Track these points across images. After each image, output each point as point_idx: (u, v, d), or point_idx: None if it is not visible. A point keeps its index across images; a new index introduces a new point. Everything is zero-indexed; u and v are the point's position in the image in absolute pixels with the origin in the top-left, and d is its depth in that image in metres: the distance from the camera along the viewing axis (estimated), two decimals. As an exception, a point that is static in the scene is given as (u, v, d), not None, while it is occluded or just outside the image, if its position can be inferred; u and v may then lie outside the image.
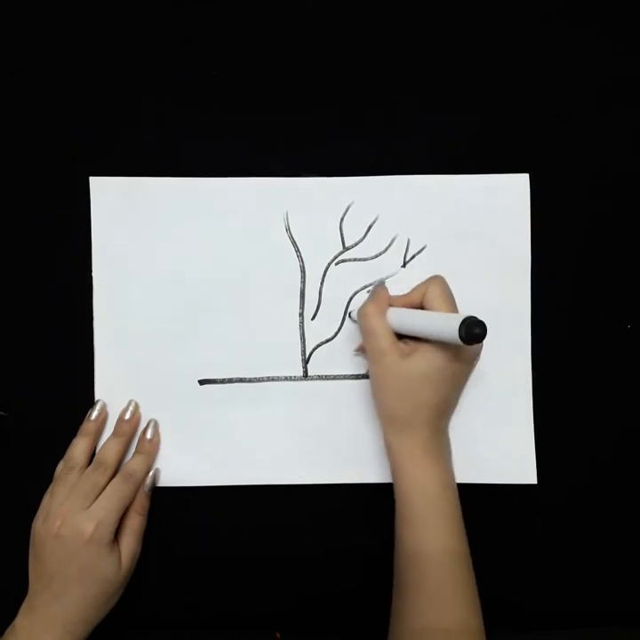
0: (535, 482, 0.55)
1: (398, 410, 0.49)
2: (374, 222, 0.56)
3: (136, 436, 0.55)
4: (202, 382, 0.55)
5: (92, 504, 0.50)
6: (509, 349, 0.55)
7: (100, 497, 0.51)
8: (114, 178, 0.55)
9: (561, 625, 0.56)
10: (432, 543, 0.48)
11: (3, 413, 0.55)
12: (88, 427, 0.54)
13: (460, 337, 0.44)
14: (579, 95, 0.56)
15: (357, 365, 0.56)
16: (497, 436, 0.55)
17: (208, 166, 0.55)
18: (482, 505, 0.54)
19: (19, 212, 0.56)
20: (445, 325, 0.45)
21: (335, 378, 0.56)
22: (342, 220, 0.56)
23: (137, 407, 0.55)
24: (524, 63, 0.56)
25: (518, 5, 0.56)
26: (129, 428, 0.54)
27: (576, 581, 0.56)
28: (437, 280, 0.50)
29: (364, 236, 0.56)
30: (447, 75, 0.56)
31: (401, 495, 0.49)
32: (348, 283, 0.56)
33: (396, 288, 0.55)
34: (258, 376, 0.55)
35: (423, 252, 0.56)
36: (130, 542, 0.52)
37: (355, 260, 0.56)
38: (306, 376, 0.56)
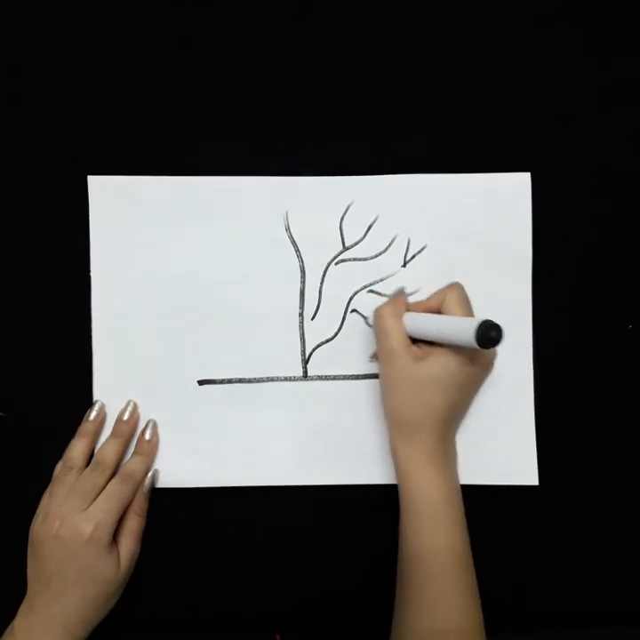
0: (536, 483, 0.55)
1: (407, 414, 0.49)
2: (374, 222, 0.56)
3: (135, 436, 0.55)
4: (201, 382, 0.55)
5: (90, 505, 0.50)
6: (510, 350, 0.55)
7: (99, 498, 0.51)
8: (113, 177, 0.55)
9: (561, 625, 0.56)
10: (435, 546, 0.48)
11: (3, 413, 0.55)
12: (86, 427, 0.54)
13: (477, 340, 0.43)
14: (579, 95, 0.56)
15: (357, 365, 0.56)
16: (498, 437, 0.55)
17: (208, 166, 0.55)
18: (483, 506, 0.54)
19: (19, 212, 0.56)
20: (461, 328, 0.45)
21: (335, 378, 0.56)
22: (342, 219, 0.56)
23: (136, 408, 0.55)
24: (524, 63, 0.56)
25: (518, 5, 0.56)
26: (128, 428, 0.54)
27: (576, 581, 0.56)
28: (456, 287, 0.50)
29: (364, 236, 0.56)
30: (447, 75, 0.56)
31: (405, 499, 0.49)
32: (348, 283, 0.56)
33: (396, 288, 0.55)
34: (258, 376, 0.55)
35: (423, 251, 0.56)
36: (129, 543, 0.52)
37: (355, 259, 0.56)
38: (306, 376, 0.55)
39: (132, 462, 0.53)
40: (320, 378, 0.55)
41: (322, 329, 0.56)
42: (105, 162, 0.56)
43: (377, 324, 0.50)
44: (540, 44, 0.56)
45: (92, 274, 0.55)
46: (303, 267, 0.56)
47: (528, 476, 0.55)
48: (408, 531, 0.49)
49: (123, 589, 0.51)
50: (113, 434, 0.54)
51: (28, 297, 0.56)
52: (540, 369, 0.56)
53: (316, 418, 0.55)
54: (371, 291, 0.56)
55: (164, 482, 0.55)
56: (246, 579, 0.55)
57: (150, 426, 0.55)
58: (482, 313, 0.52)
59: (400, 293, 0.52)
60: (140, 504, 0.53)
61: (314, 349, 0.56)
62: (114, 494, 0.51)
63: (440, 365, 0.48)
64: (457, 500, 0.49)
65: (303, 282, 0.56)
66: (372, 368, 0.56)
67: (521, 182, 0.55)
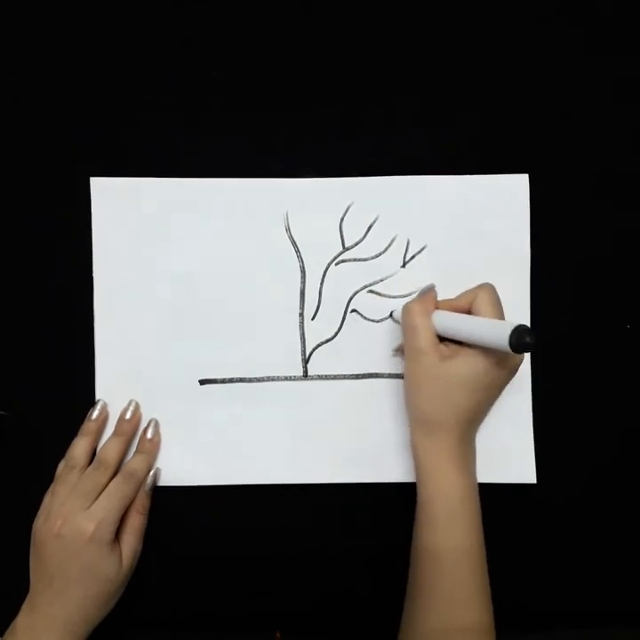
0: (534, 481, 0.55)
1: (430, 412, 0.49)
2: (374, 222, 0.56)
3: (137, 435, 0.55)
4: (202, 382, 0.56)
5: (92, 504, 0.50)
6: (509, 349, 0.55)
7: (101, 496, 0.51)
8: (114, 178, 0.55)
9: (561, 625, 0.56)
10: (450, 545, 0.48)
11: (3, 413, 0.55)
12: (89, 426, 0.54)
13: (510, 344, 0.43)
14: (579, 95, 0.56)
15: (357, 365, 0.56)
16: (496, 436, 0.55)
17: (208, 166, 0.55)
18: (481, 504, 0.54)
19: (19, 212, 0.56)
20: (495, 332, 0.45)
21: (335, 378, 0.56)
22: (342, 220, 0.56)
23: (137, 407, 0.55)
24: (524, 63, 0.56)
25: (518, 5, 0.56)
26: (130, 427, 0.54)
27: (576, 581, 0.56)
28: (487, 287, 0.50)
29: (364, 236, 0.56)
30: (447, 75, 0.56)
31: (422, 497, 0.49)
32: (347, 283, 0.56)
33: (396, 288, 0.56)
34: (258, 376, 0.56)
35: (423, 252, 0.56)
36: (131, 542, 0.52)
37: (355, 260, 0.56)
38: (306, 376, 0.56)
39: (133, 461, 0.54)
40: (320, 377, 0.56)
41: (322, 329, 0.56)
42: (105, 162, 0.56)
43: (405, 320, 0.50)
44: (540, 44, 0.56)
45: (94, 274, 0.55)
46: (303, 267, 0.56)
47: (526, 474, 0.56)
48: (423, 528, 0.49)
49: (125, 588, 0.52)
50: (115, 433, 0.54)
51: (28, 297, 0.56)
52: (538, 367, 0.56)
53: (316, 417, 0.55)
54: (371, 291, 0.56)
55: (166, 480, 0.55)
56: (247, 578, 0.56)
57: (152, 425, 0.55)
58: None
59: (430, 290, 0.52)
60: (141, 502, 0.53)
61: (314, 349, 0.56)
62: (116, 493, 0.51)
63: (468, 366, 0.48)
64: (474, 501, 0.49)
65: (303, 282, 0.56)
66: (380, 368, 0.56)
67: (519, 183, 0.55)
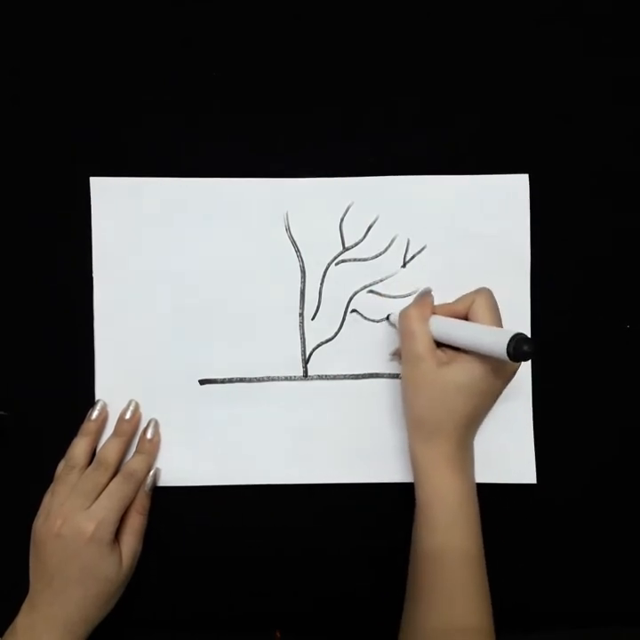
0: (534, 481, 0.55)
1: (428, 417, 0.49)
2: (374, 222, 0.56)
3: (136, 435, 0.55)
4: (202, 382, 0.56)
5: (92, 504, 0.50)
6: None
7: (101, 496, 0.51)
8: (114, 178, 0.55)
9: (561, 625, 0.56)
10: (449, 547, 0.48)
11: (3, 413, 0.55)
12: (88, 426, 0.54)
13: (508, 353, 0.43)
14: (579, 95, 0.56)
15: (357, 365, 0.56)
16: (497, 436, 0.55)
17: (208, 166, 0.55)
18: (481, 504, 0.54)
19: (19, 212, 0.56)
20: (493, 340, 0.45)
21: (335, 378, 0.56)
22: (342, 220, 0.56)
23: (137, 407, 0.55)
24: (524, 63, 0.56)
25: (518, 5, 0.56)
26: (129, 427, 0.54)
27: (576, 581, 0.56)
28: (485, 292, 0.50)
29: (364, 236, 0.56)
30: (447, 75, 0.56)
31: (421, 501, 0.49)
32: (348, 283, 0.56)
33: (396, 288, 0.56)
34: (258, 376, 0.56)
35: (423, 251, 0.56)
36: (131, 542, 0.52)
37: (355, 260, 0.56)
38: (306, 376, 0.56)
39: (133, 461, 0.54)
40: (320, 378, 0.56)
41: (322, 329, 0.56)
42: (105, 162, 0.56)
43: (402, 326, 0.50)
44: (540, 44, 0.56)
45: (94, 274, 0.55)
46: (303, 267, 0.56)
47: (526, 474, 0.56)
48: (422, 531, 0.49)
49: (124, 588, 0.52)
50: (115, 433, 0.54)
51: (28, 297, 0.56)
52: (538, 367, 0.56)
53: (316, 417, 0.55)
54: (371, 291, 0.56)
55: (166, 480, 0.55)
56: (247, 578, 0.56)
57: (152, 425, 0.55)
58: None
59: (426, 295, 0.52)
60: (141, 503, 0.53)
61: (314, 349, 0.56)
62: (116, 493, 0.51)
63: (464, 372, 0.48)
64: (473, 504, 0.49)
65: (303, 282, 0.56)
66: (380, 368, 0.56)
67: (519, 183, 0.56)
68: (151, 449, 0.54)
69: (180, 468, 0.55)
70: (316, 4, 0.56)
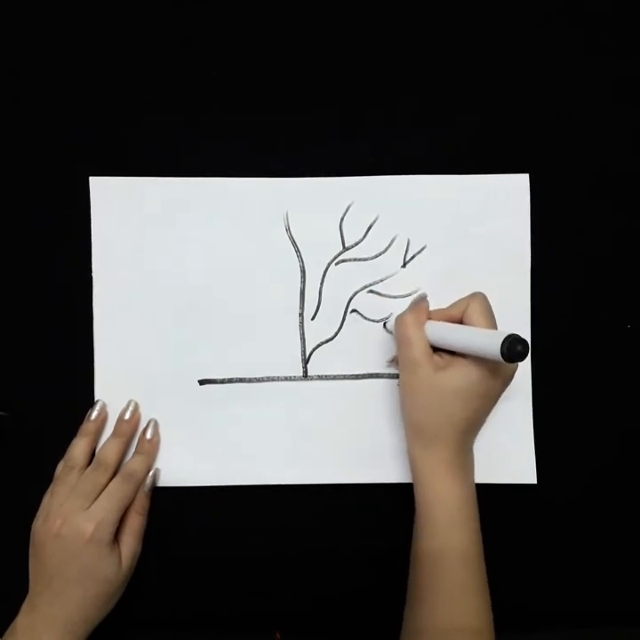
0: (535, 482, 0.55)
1: (427, 422, 0.49)
2: (374, 222, 0.56)
3: (136, 436, 0.55)
4: (202, 382, 0.56)
5: (92, 504, 0.50)
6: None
7: (101, 497, 0.51)
8: (114, 178, 0.55)
9: (561, 625, 0.56)
10: (449, 550, 0.48)
11: (3, 413, 0.55)
12: (88, 427, 0.54)
13: (502, 354, 0.43)
14: (579, 95, 0.56)
15: (357, 365, 0.56)
16: (497, 436, 0.55)
17: (208, 166, 0.55)
18: (481, 505, 0.54)
19: (19, 212, 0.56)
20: (487, 341, 0.45)
21: (335, 378, 0.56)
22: (342, 220, 0.56)
23: (137, 407, 0.55)
24: (524, 63, 0.56)
25: (518, 5, 0.56)
26: (129, 428, 0.54)
27: (576, 581, 0.56)
28: (479, 296, 0.50)
29: (364, 236, 0.56)
30: (447, 75, 0.56)
31: (421, 505, 0.49)
32: (348, 283, 0.56)
33: (396, 288, 0.56)
34: (258, 376, 0.55)
35: (423, 251, 0.56)
36: (130, 542, 0.52)
37: (355, 260, 0.56)
38: (306, 376, 0.56)
39: (133, 462, 0.54)
40: (320, 378, 0.56)
41: (322, 329, 0.56)
42: (105, 162, 0.55)
43: (399, 332, 0.50)
44: (540, 44, 0.56)
45: (93, 274, 0.55)
46: (303, 267, 0.56)
47: (527, 474, 0.56)
48: (422, 534, 0.49)
49: (124, 588, 0.52)
50: (114, 433, 0.54)
51: (28, 297, 0.56)
52: (538, 368, 0.56)
53: (316, 417, 0.55)
54: (371, 291, 0.56)
55: (166, 481, 0.55)
56: (247, 578, 0.56)
57: (151, 425, 0.55)
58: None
59: (422, 301, 0.52)
60: (141, 503, 0.53)
61: (314, 349, 0.56)
62: (115, 493, 0.51)
63: (462, 376, 0.48)
64: (473, 507, 0.49)
65: (303, 282, 0.56)
66: (380, 368, 0.56)
67: (519, 183, 0.56)
68: (151, 449, 0.54)
69: (180, 468, 0.55)
70: (316, 4, 0.56)
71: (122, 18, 0.56)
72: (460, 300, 0.51)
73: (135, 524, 0.53)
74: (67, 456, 0.53)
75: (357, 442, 0.55)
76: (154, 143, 0.56)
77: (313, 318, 0.56)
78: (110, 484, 0.52)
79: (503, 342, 0.43)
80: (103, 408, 0.55)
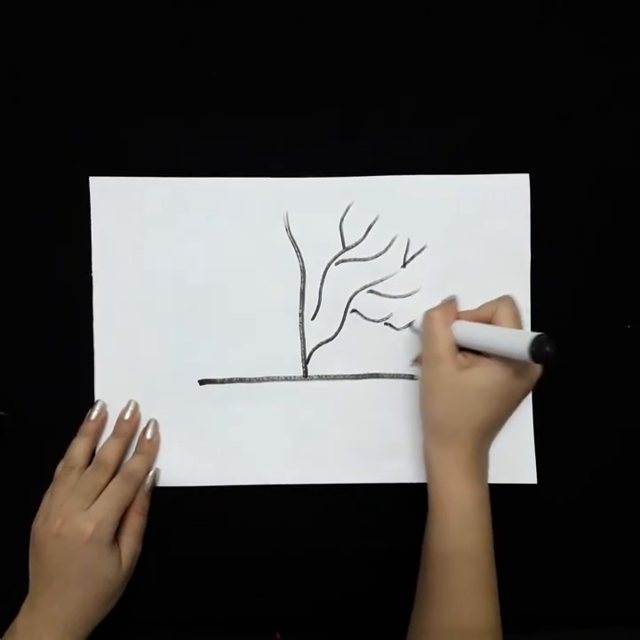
0: (535, 482, 0.55)
1: (446, 421, 0.49)
2: (374, 222, 0.56)
3: (136, 436, 0.55)
4: (202, 382, 0.56)
5: (92, 504, 0.50)
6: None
7: (101, 497, 0.51)
8: (114, 178, 0.55)
9: (561, 625, 0.56)
10: (461, 552, 0.48)
11: (3, 413, 0.55)
12: (88, 427, 0.54)
13: (531, 354, 0.43)
14: (579, 95, 0.56)
15: (357, 365, 0.56)
16: (497, 436, 0.55)
17: (208, 166, 0.55)
18: (482, 505, 0.54)
19: (19, 211, 0.56)
20: (515, 341, 0.44)
21: (335, 378, 0.56)
22: (342, 220, 0.56)
23: (137, 407, 0.55)
24: (524, 63, 0.56)
25: (518, 5, 0.56)
26: (129, 428, 0.54)
27: (576, 581, 0.56)
28: (508, 300, 0.50)
29: (364, 236, 0.56)
30: (447, 75, 0.56)
31: (435, 504, 0.49)
32: (347, 283, 0.56)
33: (396, 288, 0.56)
34: (258, 376, 0.55)
35: (423, 251, 0.56)
36: (130, 542, 0.52)
37: (355, 260, 0.56)
38: (306, 376, 0.56)
39: (133, 462, 0.54)
40: (320, 378, 0.56)
41: (322, 329, 0.56)
42: (105, 162, 0.55)
43: (426, 327, 0.50)
44: (540, 43, 0.56)
45: (93, 274, 0.55)
46: (303, 267, 0.56)
47: (527, 474, 0.56)
48: (435, 534, 0.49)
49: (124, 588, 0.52)
50: (114, 433, 0.54)
51: (28, 297, 0.56)
52: (538, 368, 0.56)
53: (316, 417, 0.55)
54: (371, 291, 0.56)
55: (166, 481, 0.55)
56: (247, 578, 0.56)
57: (151, 425, 0.55)
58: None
59: (452, 300, 0.52)
60: (141, 503, 0.53)
61: (314, 349, 0.56)
62: (115, 493, 0.51)
63: (486, 376, 0.47)
64: (487, 509, 0.49)
65: (303, 282, 0.56)
66: (380, 368, 0.56)
67: (519, 183, 0.56)
68: (150, 449, 0.54)
69: (180, 468, 0.55)
70: (316, 4, 0.56)
71: (122, 18, 0.56)
72: (489, 303, 0.51)
73: (135, 524, 0.53)
74: (67, 456, 0.53)
75: (357, 442, 0.55)
76: (154, 143, 0.56)
77: (313, 318, 0.56)
78: (110, 484, 0.52)
79: (532, 342, 0.43)
80: (103, 408, 0.55)
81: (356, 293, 0.56)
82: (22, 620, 0.49)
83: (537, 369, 0.48)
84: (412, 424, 0.56)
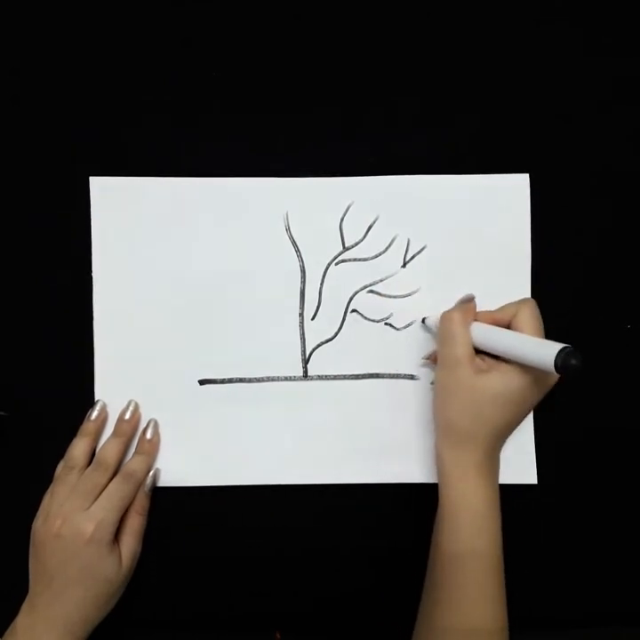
0: (535, 482, 0.55)
1: (460, 423, 0.49)
2: (374, 222, 0.56)
3: (136, 436, 0.55)
4: (202, 382, 0.56)
5: (92, 504, 0.50)
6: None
7: (101, 497, 0.51)
8: (114, 178, 0.55)
9: (561, 625, 0.56)
10: (471, 553, 0.47)
11: (3, 413, 0.55)
12: (88, 427, 0.54)
13: (556, 366, 0.43)
14: (579, 95, 0.56)
15: (357, 365, 0.56)
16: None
17: (208, 166, 0.55)
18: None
19: (19, 212, 0.56)
20: (541, 351, 0.44)
21: (335, 378, 0.56)
22: (342, 220, 0.56)
23: (137, 407, 0.55)
24: (524, 63, 0.56)
25: (518, 5, 0.56)
26: (129, 428, 0.54)
27: (576, 581, 0.56)
28: (529, 303, 0.50)
29: (364, 236, 0.56)
30: (447, 75, 0.56)
31: (446, 506, 0.49)
32: (347, 283, 0.56)
33: (396, 288, 0.56)
34: (258, 376, 0.55)
35: (423, 251, 0.56)
36: (130, 542, 0.52)
37: (355, 260, 0.56)
38: (306, 376, 0.56)
39: (133, 462, 0.54)
40: (320, 378, 0.56)
41: (322, 329, 0.56)
42: (105, 162, 0.56)
43: (444, 328, 0.50)
44: (540, 43, 0.56)
45: (93, 274, 0.55)
46: (303, 267, 0.56)
47: (527, 475, 0.55)
48: (445, 535, 0.49)
49: (124, 588, 0.52)
50: (114, 433, 0.54)
51: (28, 297, 0.56)
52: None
53: (316, 418, 0.55)
54: (371, 291, 0.56)
55: (166, 481, 0.55)
56: (247, 578, 0.56)
57: (151, 425, 0.55)
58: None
59: (470, 301, 0.51)
60: (141, 503, 0.53)
61: (314, 349, 0.56)
62: (115, 494, 0.51)
63: (503, 382, 0.47)
64: (497, 511, 0.49)
65: (303, 282, 0.56)
66: (380, 368, 0.56)
67: (519, 183, 0.56)
68: (151, 449, 0.54)
69: (180, 468, 0.55)
70: (316, 4, 0.56)
71: (122, 18, 0.56)
72: (508, 305, 0.50)
73: (135, 524, 0.53)
74: (67, 456, 0.53)
75: (357, 442, 0.55)
76: (154, 143, 0.56)
77: (313, 318, 0.56)
78: (110, 484, 0.52)
79: (558, 354, 0.43)
80: (103, 408, 0.55)
81: (356, 293, 0.56)
82: (22, 620, 0.49)
83: (554, 377, 0.48)
84: (412, 424, 0.56)
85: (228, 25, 0.56)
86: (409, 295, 0.56)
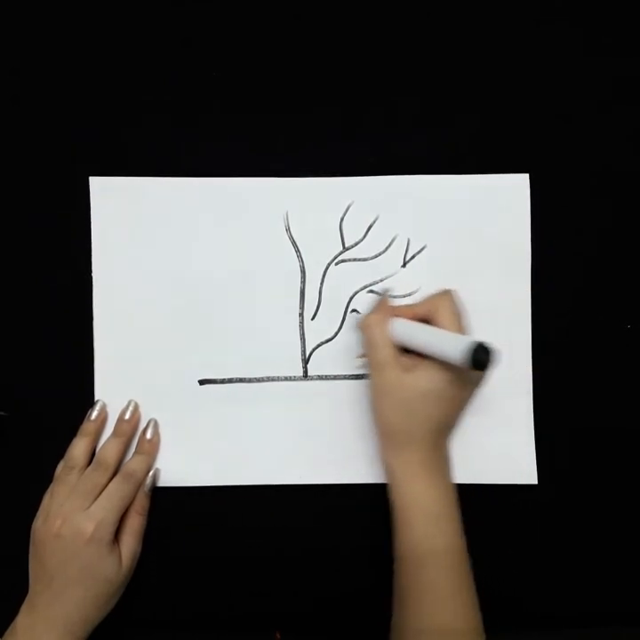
0: (535, 482, 0.55)
1: (396, 425, 0.48)
2: (374, 222, 0.56)
3: (136, 436, 0.55)
4: (202, 382, 0.56)
5: (92, 504, 0.50)
6: (510, 349, 0.55)
7: (101, 497, 0.51)
8: (114, 178, 0.55)
9: (561, 625, 0.56)
10: (428, 549, 0.47)
11: (3, 413, 0.55)
12: (88, 427, 0.54)
13: (466, 361, 0.42)
14: (579, 95, 0.57)
15: (357, 365, 0.56)
16: (497, 437, 0.55)
17: (208, 166, 0.56)
18: (482, 505, 0.54)
19: (19, 212, 0.56)
20: (451, 346, 0.44)
21: (335, 378, 0.56)
22: (342, 220, 0.56)
23: (137, 407, 0.55)
24: (524, 63, 0.56)
25: (518, 5, 0.56)
26: (129, 427, 0.54)
27: (576, 581, 0.56)
28: (448, 295, 0.49)
29: (364, 236, 0.56)
30: (447, 75, 0.56)
31: (397, 508, 0.49)
32: (347, 283, 0.56)
33: (396, 288, 0.56)
34: (258, 376, 0.56)
35: (423, 251, 0.56)
36: (130, 542, 0.52)
37: (355, 260, 0.56)
38: (306, 376, 0.56)
39: (133, 461, 0.54)
40: (320, 378, 0.56)
41: (322, 329, 0.56)
42: (105, 162, 0.56)
43: (365, 335, 0.49)
44: (540, 43, 0.56)
45: (93, 274, 0.55)
46: (303, 267, 0.56)
47: (527, 475, 0.55)
48: (402, 537, 0.49)
49: (124, 588, 0.52)
50: (114, 433, 0.54)
51: (28, 297, 0.56)
52: (538, 368, 0.56)
53: (316, 418, 0.55)
54: (371, 291, 0.56)
55: (165, 481, 0.55)
56: (247, 578, 0.56)
57: (151, 425, 0.55)
58: (481, 313, 0.52)
59: (385, 299, 0.51)
60: (141, 503, 0.53)
61: (314, 349, 0.56)
62: (115, 493, 0.51)
63: (428, 378, 0.47)
64: (452, 507, 0.49)
65: (303, 282, 0.56)
66: (361, 367, 0.56)
67: (519, 183, 0.56)
68: (150, 449, 0.54)
69: (180, 468, 0.55)
70: (316, 4, 0.56)
71: (122, 18, 0.56)
72: (428, 298, 0.50)
73: (135, 524, 0.53)
74: (67, 456, 0.53)
75: (357, 442, 0.55)
76: (154, 143, 0.56)
77: (313, 318, 0.56)
78: (110, 484, 0.52)
79: (467, 349, 0.42)
80: (103, 408, 0.55)
81: (355, 293, 0.56)
82: (22, 620, 0.49)
83: (477, 372, 0.47)
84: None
85: (228, 25, 0.56)
86: (409, 295, 0.56)
